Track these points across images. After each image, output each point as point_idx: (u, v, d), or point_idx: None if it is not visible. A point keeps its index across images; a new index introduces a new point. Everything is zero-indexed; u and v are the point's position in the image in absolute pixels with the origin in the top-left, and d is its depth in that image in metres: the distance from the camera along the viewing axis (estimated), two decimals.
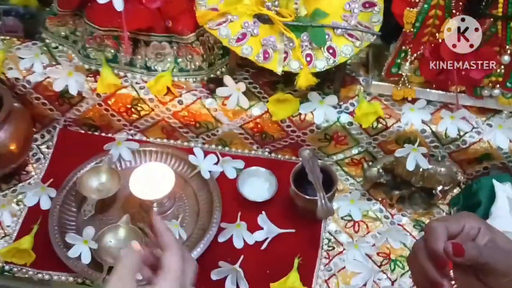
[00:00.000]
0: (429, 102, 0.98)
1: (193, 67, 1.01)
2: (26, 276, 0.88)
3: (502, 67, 0.91)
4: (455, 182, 0.96)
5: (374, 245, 0.94)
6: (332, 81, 0.98)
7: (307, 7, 0.90)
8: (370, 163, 1.01)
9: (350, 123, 0.97)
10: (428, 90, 0.97)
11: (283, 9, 0.88)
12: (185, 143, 1.05)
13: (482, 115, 0.98)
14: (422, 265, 0.52)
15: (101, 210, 0.96)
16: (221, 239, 0.93)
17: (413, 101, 0.97)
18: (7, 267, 0.88)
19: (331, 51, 0.89)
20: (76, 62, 1.02)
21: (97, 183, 0.97)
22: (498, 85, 0.93)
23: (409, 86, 0.96)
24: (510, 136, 0.95)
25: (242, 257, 0.90)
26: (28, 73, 1.00)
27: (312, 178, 0.92)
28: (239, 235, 0.93)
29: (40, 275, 0.87)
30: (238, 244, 0.93)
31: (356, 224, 0.97)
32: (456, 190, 1.01)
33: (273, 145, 1.04)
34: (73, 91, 0.98)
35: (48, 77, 1.00)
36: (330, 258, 0.92)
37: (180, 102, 0.99)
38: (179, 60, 1.00)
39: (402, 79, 0.96)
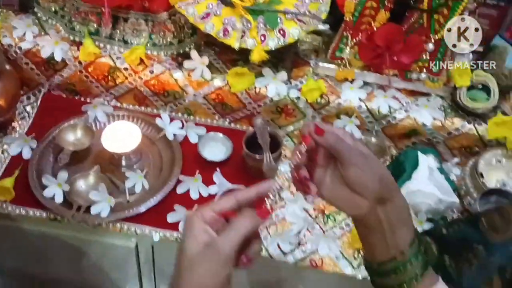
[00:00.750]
0: (367, 83, 1.13)
1: (164, 42, 1.15)
2: (6, 212, 1.01)
3: (428, 53, 1.06)
4: (384, 152, 1.11)
5: (312, 202, 1.08)
6: (284, 61, 1.13)
7: None
8: None
9: (298, 98, 1.12)
10: (366, 72, 1.12)
11: None
12: (155, 110, 1.19)
13: (412, 96, 1.13)
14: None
15: (75, 161, 1.09)
16: (179, 190, 1.06)
17: (353, 81, 1.12)
18: None
19: (282, 32, 1.04)
20: (62, 34, 1.16)
21: (73, 137, 1.10)
22: (424, 70, 1.09)
23: (350, 68, 1.12)
24: (433, 115, 1.10)
25: (196, 205, 1.04)
26: (20, 40, 1.14)
27: (261, 141, 1.06)
28: (195, 188, 1.07)
29: (18, 211, 1.00)
30: (194, 195, 1.06)
31: None
32: (388, 163, 1.16)
33: (233, 115, 1.18)
34: (58, 57, 1.12)
35: (37, 45, 1.13)
36: (273, 210, 1.06)
37: (151, 72, 1.13)
38: (153, 36, 1.15)
39: (344, 61, 1.11)
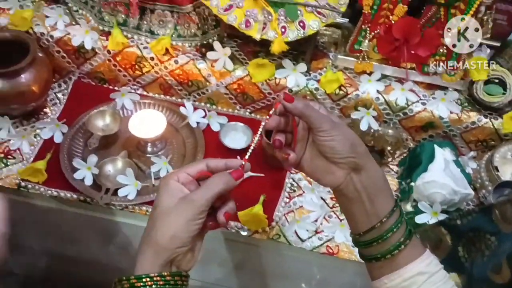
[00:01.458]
0: (385, 76, 1.16)
1: (189, 33, 1.19)
2: (38, 192, 1.07)
3: (445, 47, 1.09)
4: (400, 143, 1.14)
5: (329, 191, 1.12)
6: (304, 53, 1.17)
7: None
8: None
9: (317, 89, 1.15)
10: (384, 65, 1.15)
11: None
12: (179, 100, 1.24)
13: (429, 90, 1.16)
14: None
15: (103, 146, 1.15)
16: None
17: (371, 74, 1.15)
18: (23, 184, 1.07)
19: (301, 24, 1.07)
20: (92, 23, 1.21)
21: (102, 123, 1.16)
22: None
23: (368, 61, 1.14)
24: (450, 108, 1.13)
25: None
26: (52, 29, 1.19)
27: None
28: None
29: (49, 192, 1.06)
30: None
31: None
32: (404, 155, 1.19)
33: (253, 105, 1.22)
34: (88, 46, 1.18)
35: (68, 34, 1.19)
36: (291, 198, 1.10)
37: (176, 62, 1.17)
38: (178, 27, 1.19)
39: (362, 54, 1.14)
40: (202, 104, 1.24)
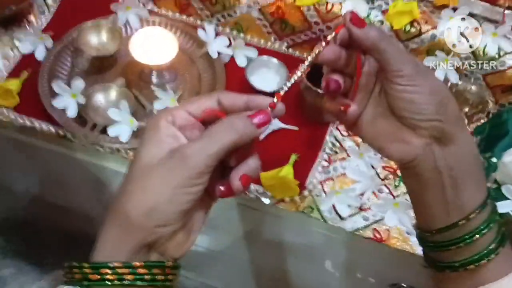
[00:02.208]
0: (473, 15, 0.87)
1: None
2: (8, 120, 0.83)
3: None
4: (484, 105, 0.87)
5: (382, 158, 0.86)
6: None
7: None
8: None
9: (381, 22, 0.87)
10: (473, 0, 0.86)
11: None
12: (198, 22, 0.97)
13: None
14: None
15: (96, 70, 0.89)
16: None
17: (455, 10, 0.86)
18: None
19: None
20: None
21: (97, 40, 0.90)
22: None
23: None
24: None
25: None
26: None
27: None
28: None
29: (21, 120, 0.82)
30: None
31: None
32: (483, 120, 0.91)
33: (292, 38, 0.95)
34: None
35: None
36: (331, 162, 0.85)
37: None
38: None
39: None
40: (228, 30, 0.97)
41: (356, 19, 0.42)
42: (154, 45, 0.85)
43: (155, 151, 0.40)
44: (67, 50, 0.90)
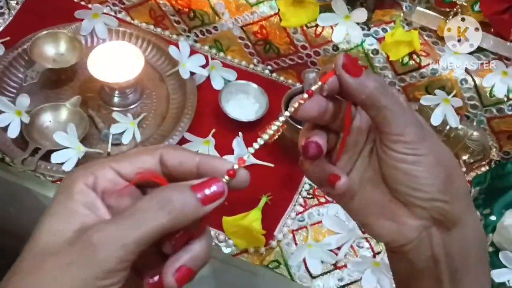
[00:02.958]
0: (482, 49, 0.76)
1: None
2: None
3: None
4: (486, 155, 0.75)
5: None
6: None
7: None
8: None
9: (376, 52, 0.77)
10: (484, 33, 0.75)
11: None
12: (174, 36, 0.87)
13: None
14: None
15: (50, 85, 0.80)
16: None
17: (461, 42, 0.76)
18: None
19: None
20: None
21: (54, 51, 0.80)
22: None
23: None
24: None
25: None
26: None
27: None
28: (205, 153, 0.75)
29: None
30: None
31: None
32: (483, 169, 0.80)
33: (277, 61, 0.84)
34: None
35: None
36: (307, 207, 0.74)
37: None
38: None
39: (455, 10, 0.74)
40: (206, 47, 0.87)
41: (350, 65, 0.33)
42: (116, 60, 0.76)
43: (61, 227, 0.29)
44: (21, 59, 0.80)
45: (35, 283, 0.28)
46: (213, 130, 0.78)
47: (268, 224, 0.70)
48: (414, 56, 0.75)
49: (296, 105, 0.33)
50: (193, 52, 0.83)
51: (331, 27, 0.77)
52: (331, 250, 0.69)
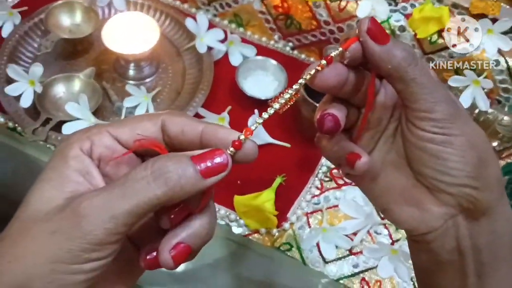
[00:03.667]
0: None
1: None
2: None
3: None
4: None
5: None
6: None
7: None
8: None
9: (402, 28, 0.72)
10: None
11: None
12: (193, 10, 0.85)
13: None
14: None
15: (66, 55, 0.78)
16: None
17: (495, 21, 0.71)
18: None
19: None
20: None
21: (70, 21, 0.78)
22: None
23: (496, 0, 0.70)
24: None
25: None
26: None
27: None
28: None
29: None
30: None
31: None
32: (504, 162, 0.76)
33: (298, 38, 0.81)
34: None
35: None
36: (323, 190, 0.71)
37: None
38: None
39: None
40: (225, 22, 0.84)
41: (376, 30, 0.30)
42: (131, 32, 0.73)
43: (52, 194, 0.28)
44: (37, 30, 0.78)
45: (20, 250, 0.27)
46: (229, 107, 0.75)
47: (282, 206, 0.67)
48: (444, 34, 0.71)
49: (312, 72, 0.30)
50: (211, 26, 0.80)
51: (356, 1, 0.73)
52: (346, 235, 0.66)
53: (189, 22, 0.77)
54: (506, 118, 0.69)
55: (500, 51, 0.70)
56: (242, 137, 0.29)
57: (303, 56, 0.82)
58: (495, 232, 0.32)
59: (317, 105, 0.67)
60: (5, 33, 0.78)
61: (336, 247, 0.66)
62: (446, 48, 0.71)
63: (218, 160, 0.27)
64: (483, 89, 0.68)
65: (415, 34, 0.72)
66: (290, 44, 0.82)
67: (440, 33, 0.71)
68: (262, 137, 0.73)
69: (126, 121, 0.31)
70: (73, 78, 0.73)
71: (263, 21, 0.81)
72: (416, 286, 0.40)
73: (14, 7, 0.80)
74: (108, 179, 0.30)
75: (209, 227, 0.29)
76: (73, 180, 0.28)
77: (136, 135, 0.30)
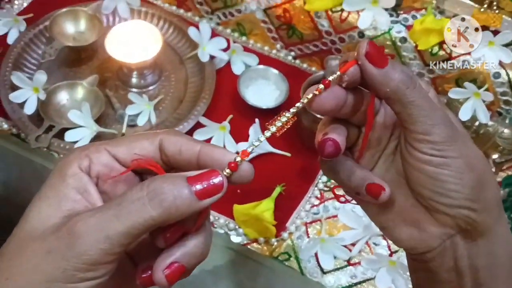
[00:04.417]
0: None
1: None
2: None
3: None
4: None
5: None
6: None
7: None
8: None
9: (404, 40, 0.73)
10: None
11: None
12: (196, 18, 0.85)
13: None
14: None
15: (71, 63, 0.79)
16: (196, 136, 0.73)
17: (496, 34, 0.71)
18: None
19: None
20: None
21: (74, 29, 0.79)
22: None
23: (497, 12, 0.70)
24: None
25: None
26: None
27: None
28: (219, 139, 0.73)
29: None
30: None
31: None
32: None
33: (300, 47, 0.81)
34: None
35: None
36: (322, 200, 0.71)
37: None
38: None
39: None
40: (228, 31, 0.85)
41: (374, 54, 0.30)
42: (133, 40, 0.74)
43: (49, 212, 0.28)
44: (41, 37, 0.79)
45: (17, 268, 0.27)
46: (231, 116, 0.76)
47: (281, 215, 0.67)
48: (445, 46, 0.71)
49: (310, 96, 0.30)
50: (214, 34, 0.81)
51: (357, 12, 0.73)
52: (345, 246, 0.66)
53: (192, 31, 0.78)
54: (506, 130, 0.69)
55: (501, 63, 0.70)
56: (238, 159, 0.29)
57: (305, 65, 0.83)
58: (493, 253, 0.32)
59: (318, 116, 0.67)
60: (10, 40, 0.79)
61: (335, 257, 0.66)
62: (447, 59, 0.71)
63: (213, 181, 0.28)
64: (484, 101, 0.68)
65: (416, 46, 0.72)
66: (292, 53, 0.83)
67: (441, 44, 0.71)
68: (262, 146, 0.73)
69: (124, 140, 0.31)
70: (77, 86, 0.74)
71: (266, 31, 0.82)
72: None
73: (19, 14, 0.82)
74: (106, 197, 0.30)
75: (204, 247, 0.29)
76: (70, 198, 0.28)
77: (134, 154, 0.30)
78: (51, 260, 0.26)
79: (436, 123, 0.30)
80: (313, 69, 0.82)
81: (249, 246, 0.66)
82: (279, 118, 0.31)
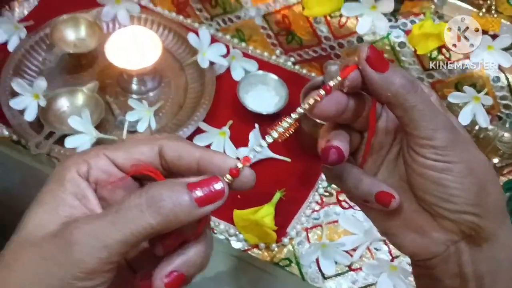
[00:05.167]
0: None
1: None
2: None
3: None
4: None
5: None
6: None
7: None
8: None
9: (403, 44, 0.73)
10: None
11: None
12: (196, 24, 0.86)
13: None
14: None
15: (71, 70, 0.79)
16: (196, 142, 0.73)
17: (495, 38, 0.71)
18: None
19: None
20: None
21: (75, 36, 0.79)
22: None
23: (496, 16, 0.70)
24: None
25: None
26: None
27: None
28: (219, 144, 0.73)
29: None
30: None
31: None
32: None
33: (299, 53, 0.81)
34: None
35: None
36: (323, 205, 0.71)
37: None
38: None
39: (489, 3, 0.70)
40: (227, 37, 0.85)
41: (375, 58, 0.30)
42: (133, 47, 0.74)
43: (47, 218, 0.28)
44: (42, 44, 0.80)
45: (13, 274, 0.27)
46: (230, 122, 0.76)
47: (281, 221, 0.67)
48: (444, 50, 0.71)
49: (311, 101, 0.30)
50: (214, 40, 0.81)
51: (356, 17, 0.73)
52: (346, 251, 0.66)
53: (191, 37, 0.78)
54: (506, 134, 0.69)
55: (500, 68, 0.70)
56: (240, 165, 0.29)
57: (304, 71, 0.83)
58: (497, 258, 0.32)
59: (319, 121, 0.67)
60: (11, 47, 0.79)
61: (336, 263, 0.66)
62: (445, 64, 0.72)
63: (214, 188, 0.27)
64: (483, 105, 0.68)
65: (415, 50, 0.72)
66: (292, 59, 0.83)
67: (440, 49, 0.71)
68: (262, 151, 0.73)
69: (123, 145, 0.31)
70: (77, 92, 0.74)
71: (265, 36, 0.82)
72: None
73: (20, 21, 0.82)
74: (104, 203, 0.30)
75: (204, 256, 0.29)
76: (68, 204, 0.28)
77: (133, 160, 0.30)
78: (47, 267, 0.26)
79: (438, 127, 0.30)
80: (313, 74, 0.83)
81: (249, 252, 0.66)
82: (280, 123, 0.31)
